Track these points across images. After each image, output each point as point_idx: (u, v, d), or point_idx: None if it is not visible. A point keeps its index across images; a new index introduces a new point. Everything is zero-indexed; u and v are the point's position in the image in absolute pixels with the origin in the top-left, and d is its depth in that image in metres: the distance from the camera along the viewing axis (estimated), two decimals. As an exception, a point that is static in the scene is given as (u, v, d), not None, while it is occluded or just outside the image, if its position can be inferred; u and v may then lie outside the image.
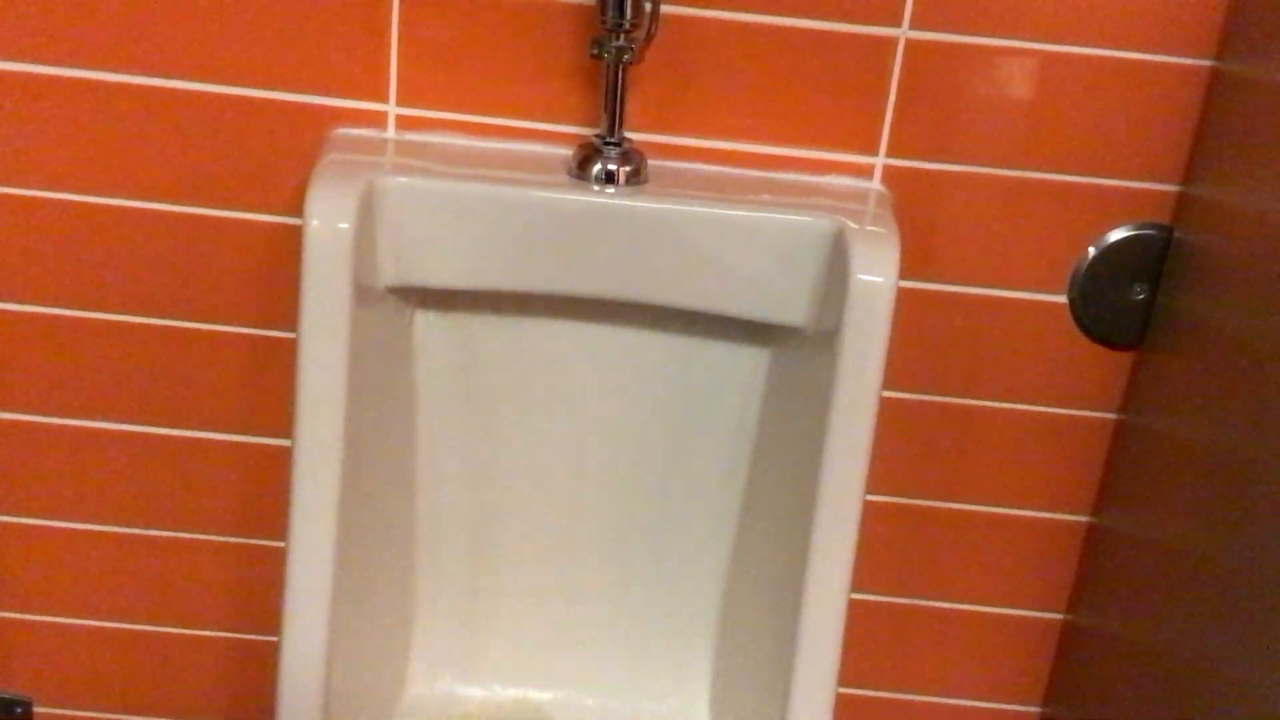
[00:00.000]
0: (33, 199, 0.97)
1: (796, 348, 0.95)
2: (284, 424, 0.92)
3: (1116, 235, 0.97)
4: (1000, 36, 0.92)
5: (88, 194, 0.96)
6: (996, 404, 1.03)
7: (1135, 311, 0.99)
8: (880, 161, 0.96)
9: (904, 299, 0.89)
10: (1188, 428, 0.92)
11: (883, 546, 1.06)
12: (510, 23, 0.92)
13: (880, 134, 0.95)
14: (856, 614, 0.94)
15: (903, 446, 1.03)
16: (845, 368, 0.87)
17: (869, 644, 1.09)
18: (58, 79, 0.93)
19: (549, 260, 0.92)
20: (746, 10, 0.92)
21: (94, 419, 1.03)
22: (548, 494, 1.03)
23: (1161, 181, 0.96)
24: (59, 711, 1.12)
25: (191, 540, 1.07)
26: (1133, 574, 0.98)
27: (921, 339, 1.00)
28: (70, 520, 1.06)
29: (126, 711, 1.12)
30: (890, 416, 0.98)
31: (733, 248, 0.91)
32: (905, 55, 0.93)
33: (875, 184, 0.96)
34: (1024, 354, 1.01)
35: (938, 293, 0.99)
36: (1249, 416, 0.83)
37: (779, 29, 0.92)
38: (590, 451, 1.02)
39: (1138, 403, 1.00)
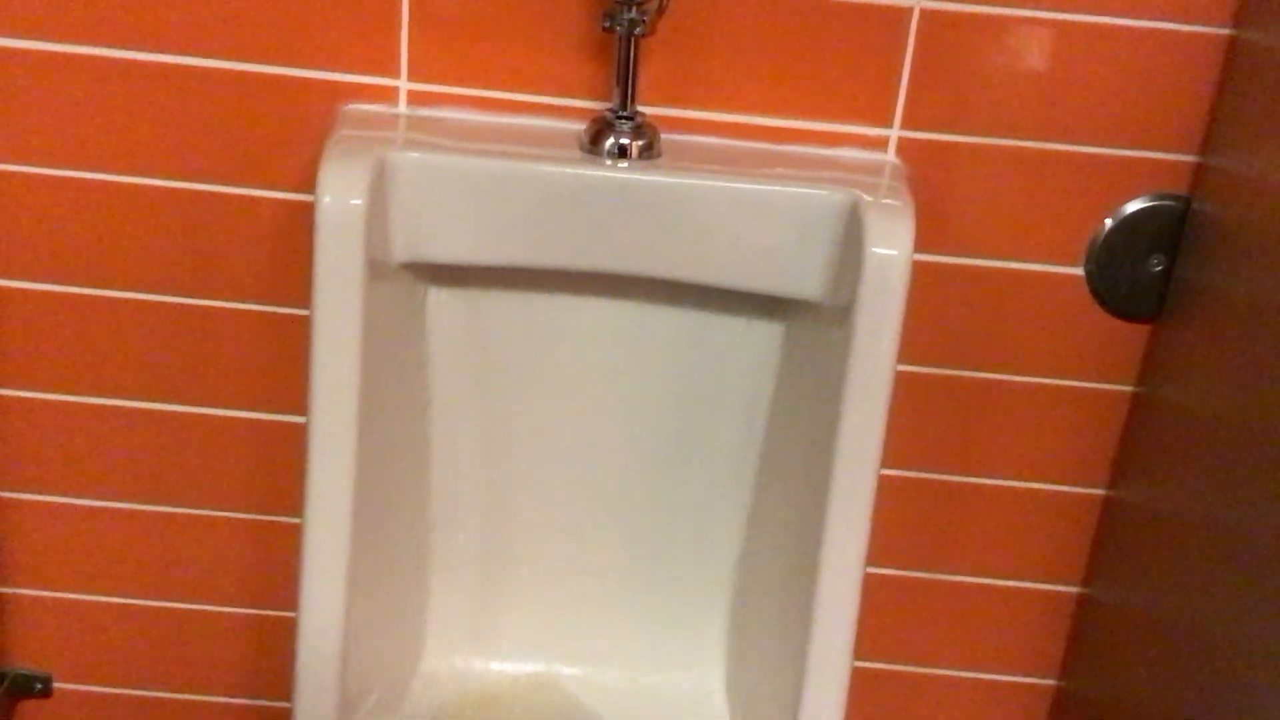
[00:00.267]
0: (43, 177, 0.97)
1: (811, 322, 0.95)
2: (299, 401, 0.92)
3: (1133, 206, 0.97)
4: (1015, 6, 0.92)
5: (99, 172, 0.96)
6: (1012, 377, 1.02)
7: (1152, 283, 0.98)
8: (895, 134, 0.95)
9: (919, 272, 0.88)
10: (1205, 400, 0.92)
11: (898, 520, 1.06)
12: (521, -4, 0.92)
13: (895, 106, 0.95)
14: (872, 587, 0.94)
15: (918, 420, 1.03)
16: (860, 342, 0.87)
17: (885, 617, 1.09)
18: (68, 56, 0.93)
19: (562, 235, 0.92)
20: (759, -18, 0.91)
21: (108, 397, 1.03)
22: (562, 469, 1.03)
23: (1179, 152, 0.95)
24: (78, 687, 1.13)
25: (208, 517, 1.07)
26: (1149, 547, 0.98)
27: (937, 312, 1.00)
28: (87, 498, 1.06)
29: (145, 686, 1.13)
30: (905, 390, 0.98)
31: (746, 221, 0.91)
32: (920, 25, 0.92)
33: (890, 156, 0.96)
34: (1040, 327, 1.00)
35: (953, 265, 0.99)
36: (1267, 389, 0.82)
37: (792, 0, 0.92)
38: (604, 427, 1.02)
39: (1155, 375, 0.99)
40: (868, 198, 0.89)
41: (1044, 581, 1.08)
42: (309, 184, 0.88)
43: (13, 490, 1.06)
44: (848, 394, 0.87)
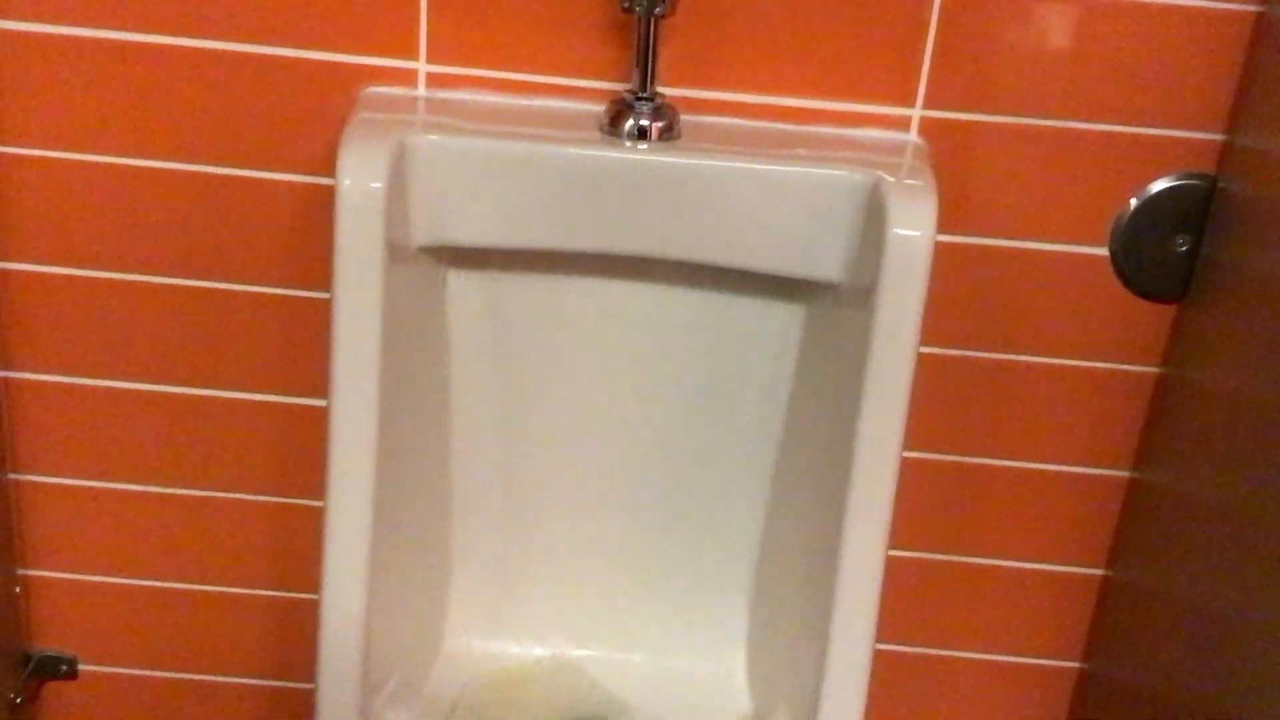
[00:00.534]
0: (63, 161, 0.97)
1: (832, 303, 0.94)
2: (320, 384, 0.92)
3: (1159, 186, 0.96)
4: (1039, -16, 0.91)
5: (119, 155, 0.97)
6: (1036, 358, 1.02)
7: (1178, 263, 0.97)
8: (917, 113, 0.95)
9: (941, 253, 0.88)
10: (1231, 381, 0.91)
11: (922, 503, 1.06)
12: (540, -23, 0.92)
13: (917, 85, 0.94)
14: (895, 570, 0.93)
15: (941, 402, 1.03)
16: (882, 323, 0.86)
17: (907, 600, 1.09)
18: (88, 40, 0.93)
19: (581, 218, 0.91)
20: (779, -39, 0.91)
21: (130, 380, 1.04)
22: (582, 451, 1.03)
23: (1205, 130, 0.94)
24: (103, 669, 1.14)
25: (230, 500, 1.08)
26: (1173, 529, 0.97)
27: (960, 293, 0.99)
28: (110, 481, 1.07)
29: (169, 668, 1.14)
30: (928, 372, 0.98)
31: (767, 203, 0.91)
32: (942, 3, 0.92)
33: (912, 136, 0.95)
34: (1064, 308, 1.00)
35: (976, 246, 0.98)
36: (1294, 370, 0.82)
37: (813, -20, 0.91)
38: (625, 409, 1.01)
39: (1180, 356, 0.99)
40: (890, 178, 0.89)
41: (1068, 564, 1.08)
42: (329, 167, 0.88)
43: (37, 474, 1.07)
44: (869, 376, 0.87)
